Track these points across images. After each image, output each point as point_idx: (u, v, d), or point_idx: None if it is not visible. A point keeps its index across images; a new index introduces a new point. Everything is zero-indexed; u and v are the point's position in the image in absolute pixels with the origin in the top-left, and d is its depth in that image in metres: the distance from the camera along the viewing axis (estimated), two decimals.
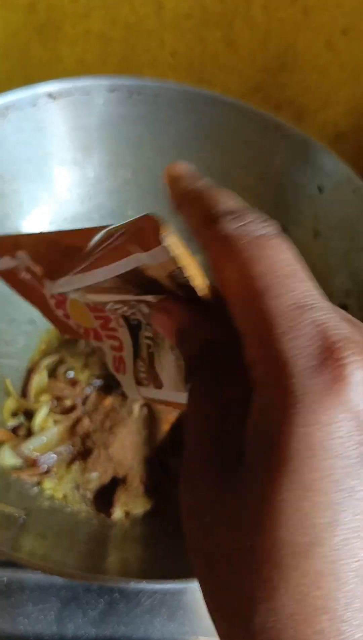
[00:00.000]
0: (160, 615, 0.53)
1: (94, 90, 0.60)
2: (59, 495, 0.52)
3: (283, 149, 0.61)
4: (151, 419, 0.56)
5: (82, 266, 0.29)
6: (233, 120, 0.61)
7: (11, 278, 0.40)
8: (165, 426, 0.56)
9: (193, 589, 0.52)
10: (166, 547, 0.49)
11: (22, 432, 0.55)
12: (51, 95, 0.59)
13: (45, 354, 0.61)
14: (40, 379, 0.58)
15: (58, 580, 0.54)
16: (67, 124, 0.62)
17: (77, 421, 0.55)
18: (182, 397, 0.31)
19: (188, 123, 0.62)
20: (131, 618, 0.53)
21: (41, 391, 0.57)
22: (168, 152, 0.64)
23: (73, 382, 0.58)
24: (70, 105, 0.61)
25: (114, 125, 0.63)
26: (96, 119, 0.62)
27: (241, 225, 0.21)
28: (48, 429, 0.54)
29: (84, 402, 0.57)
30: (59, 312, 0.40)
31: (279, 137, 0.61)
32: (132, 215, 0.65)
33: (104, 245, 0.28)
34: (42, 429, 0.54)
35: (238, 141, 0.62)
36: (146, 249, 0.24)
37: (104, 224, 0.64)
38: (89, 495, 0.53)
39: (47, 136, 0.61)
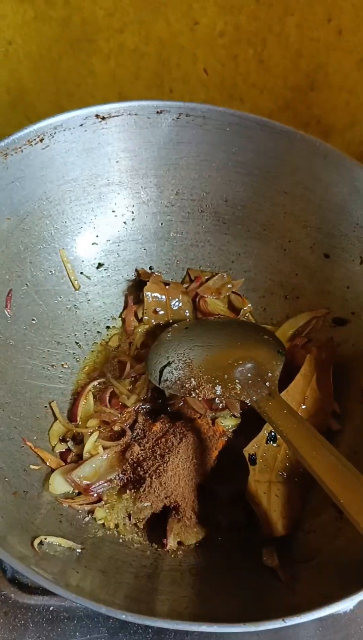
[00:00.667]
0: None
1: (143, 112, 0.60)
2: (111, 524, 0.52)
3: (330, 175, 0.61)
4: (199, 446, 0.55)
5: None
6: (280, 146, 0.61)
7: None
8: (214, 453, 0.56)
9: None
10: (219, 580, 0.49)
11: (70, 458, 0.55)
12: (99, 116, 0.59)
13: (90, 376, 0.60)
14: (87, 402, 0.57)
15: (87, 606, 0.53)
16: (115, 145, 0.61)
17: (127, 447, 0.54)
18: None
19: (234, 147, 0.62)
20: None
21: (89, 416, 0.56)
22: (213, 175, 0.64)
23: (121, 407, 0.57)
24: (118, 127, 0.60)
25: (161, 147, 0.62)
26: (143, 141, 0.62)
27: None
28: (98, 455, 0.54)
29: (131, 428, 0.56)
30: None
31: (326, 163, 0.61)
32: (175, 235, 0.65)
33: None
34: (92, 455, 0.54)
35: (284, 166, 0.62)
36: None
37: (147, 245, 0.64)
38: (141, 524, 0.52)
39: (94, 157, 0.61)
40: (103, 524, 0.52)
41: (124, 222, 0.65)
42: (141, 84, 0.91)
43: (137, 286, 0.66)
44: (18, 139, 0.55)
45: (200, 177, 0.64)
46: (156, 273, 0.65)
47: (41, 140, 0.57)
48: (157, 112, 0.60)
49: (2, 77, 0.92)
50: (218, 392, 0.53)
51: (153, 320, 0.63)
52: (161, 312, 0.63)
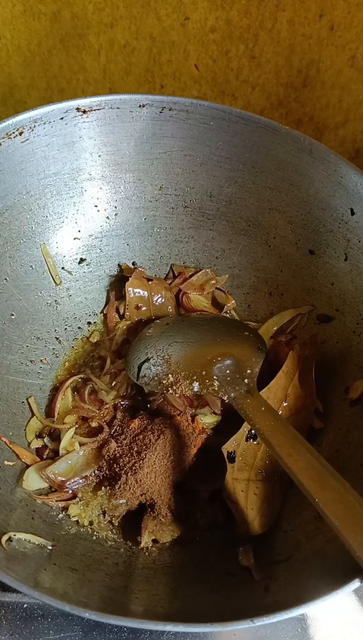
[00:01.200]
0: None
1: (125, 105, 0.59)
2: (85, 521, 0.51)
3: (315, 171, 0.60)
4: (177, 443, 0.55)
5: None
6: (266, 141, 0.60)
7: None
8: (192, 450, 0.55)
9: None
10: (193, 579, 0.48)
11: (46, 454, 0.54)
12: (80, 110, 0.58)
13: (70, 372, 0.60)
14: (65, 398, 0.56)
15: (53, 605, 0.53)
16: (96, 138, 0.61)
17: (104, 444, 0.53)
18: None
19: (219, 141, 0.61)
20: None
21: (67, 412, 0.56)
22: (197, 170, 0.63)
23: (99, 403, 0.56)
24: (99, 120, 0.60)
25: (143, 141, 0.62)
26: (125, 135, 0.61)
27: None
28: (74, 452, 0.53)
29: (109, 424, 0.55)
30: None
31: (312, 159, 0.60)
32: (158, 231, 0.64)
33: None
34: (68, 451, 0.53)
35: (269, 162, 0.61)
36: None
37: (130, 241, 0.63)
38: (116, 522, 0.52)
39: (76, 151, 0.60)
40: (77, 521, 0.51)
41: (107, 217, 0.64)
42: (132, 80, 0.91)
43: (119, 282, 0.65)
44: None
45: (184, 171, 0.63)
46: (140, 268, 0.64)
47: (20, 134, 0.56)
48: (140, 105, 0.59)
49: None
50: (196, 389, 0.52)
51: (135, 317, 0.62)
52: (144, 308, 0.62)
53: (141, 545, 0.50)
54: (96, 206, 0.64)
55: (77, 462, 0.52)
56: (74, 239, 0.64)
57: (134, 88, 0.91)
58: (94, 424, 0.55)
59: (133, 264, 0.66)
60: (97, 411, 0.55)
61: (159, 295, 0.63)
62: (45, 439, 0.55)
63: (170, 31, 0.85)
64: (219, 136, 0.61)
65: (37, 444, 0.55)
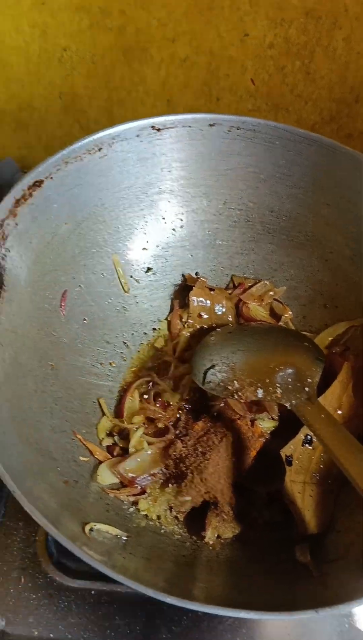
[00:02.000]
0: (240, 636, 0.56)
1: (196, 124, 0.63)
2: (154, 515, 0.55)
3: None
4: (238, 445, 0.58)
5: None
6: (326, 160, 0.63)
7: None
8: (252, 453, 0.58)
9: None
10: (254, 573, 0.52)
11: (116, 451, 0.58)
12: (154, 128, 0.62)
13: (136, 375, 0.64)
14: (133, 400, 0.60)
15: (144, 595, 0.57)
16: (168, 155, 0.64)
17: (170, 444, 0.57)
18: None
19: (283, 159, 0.64)
20: (212, 636, 0.56)
21: (134, 412, 0.60)
22: (260, 186, 0.67)
23: (165, 405, 0.60)
24: (172, 138, 0.63)
25: (211, 158, 0.65)
26: (194, 152, 0.65)
27: None
28: (143, 450, 0.57)
29: (175, 425, 0.59)
30: None
31: None
32: (221, 243, 0.68)
33: None
34: (137, 450, 0.57)
35: (329, 179, 0.64)
36: None
37: (194, 252, 0.67)
38: (181, 517, 0.55)
39: (148, 166, 0.64)
40: (146, 515, 0.55)
41: (173, 229, 0.68)
42: (190, 93, 0.94)
43: (183, 291, 0.69)
44: (78, 148, 0.59)
45: (248, 187, 0.66)
46: (202, 278, 0.68)
47: (100, 150, 0.60)
48: (210, 124, 0.62)
49: (55, 82, 0.96)
50: (260, 395, 0.56)
51: (197, 324, 0.66)
52: (205, 317, 0.66)
53: (205, 540, 0.53)
54: (163, 218, 0.67)
55: (146, 460, 0.56)
56: (143, 249, 0.67)
57: (192, 101, 0.94)
58: (160, 425, 0.59)
59: (196, 274, 0.69)
60: (163, 412, 0.59)
61: (220, 305, 0.67)
62: (115, 438, 0.59)
63: (229, 47, 0.88)
64: (282, 154, 0.64)
65: (107, 442, 0.59)
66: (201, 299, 0.66)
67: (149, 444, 0.57)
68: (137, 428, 0.58)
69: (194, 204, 0.68)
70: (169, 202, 0.67)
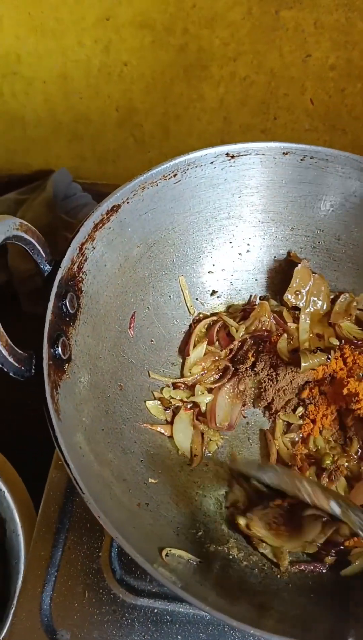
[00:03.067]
0: None
1: (270, 152, 0.63)
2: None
3: None
4: None
5: None
6: None
7: None
8: None
9: None
10: (323, 607, 0.53)
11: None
12: (229, 155, 0.63)
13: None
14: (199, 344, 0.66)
15: (206, 616, 0.58)
16: (239, 181, 0.65)
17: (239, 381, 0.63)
18: None
19: (354, 190, 0.65)
20: None
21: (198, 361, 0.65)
22: (329, 215, 0.67)
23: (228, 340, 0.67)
24: (244, 165, 0.64)
25: (282, 186, 0.66)
26: (266, 179, 0.65)
27: None
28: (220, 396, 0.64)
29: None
30: None
31: None
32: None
33: None
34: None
35: None
36: None
37: (259, 276, 0.67)
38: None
39: (219, 192, 0.65)
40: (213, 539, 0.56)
41: (240, 254, 0.69)
42: (247, 110, 0.95)
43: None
44: (155, 174, 0.60)
45: (316, 215, 0.67)
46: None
47: (174, 176, 0.61)
48: (283, 153, 0.63)
49: (114, 95, 0.97)
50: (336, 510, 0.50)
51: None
52: (301, 300, 0.67)
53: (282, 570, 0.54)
54: (230, 242, 0.68)
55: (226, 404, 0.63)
56: (209, 272, 0.68)
57: (248, 118, 0.95)
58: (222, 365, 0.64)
59: (261, 297, 0.70)
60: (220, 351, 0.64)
61: (318, 295, 0.68)
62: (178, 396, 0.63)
63: (291, 67, 0.89)
64: (353, 184, 0.64)
65: (168, 416, 0.63)
66: (302, 278, 0.66)
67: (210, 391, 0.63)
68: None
69: (262, 230, 0.68)
70: (237, 226, 0.68)
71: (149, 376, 0.63)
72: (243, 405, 0.65)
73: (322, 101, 0.92)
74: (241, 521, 0.55)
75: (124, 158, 1.04)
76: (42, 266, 0.54)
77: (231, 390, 0.65)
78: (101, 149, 1.04)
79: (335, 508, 0.49)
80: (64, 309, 0.53)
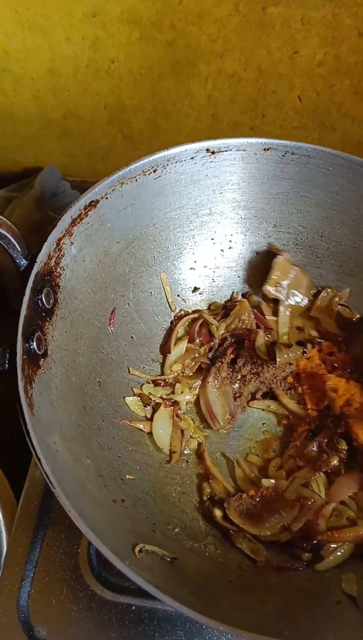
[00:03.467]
0: None
1: (251, 148, 0.63)
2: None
3: None
4: None
5: None
6: None
7: None
8: None
9: None
10: (297, 601, 0.52)
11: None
12: (209, 151, 0.62)
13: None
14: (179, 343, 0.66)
15: (184, 613, 0.58)
16: (220, 177, 0.65)
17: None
18: None
19: (336, 186, 0.64)
20: None
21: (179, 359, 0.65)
22: (311, 211, 0.67)
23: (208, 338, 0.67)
24: (225, 160, 0.64)
25: (263, 182, 0.66)
26: (247, 175, 0.65)
27: None
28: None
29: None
30: None
31: None
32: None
33: None
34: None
35: None
36: None
37: (241, 273, 0.67)
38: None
39: (200, 188, 0.65)
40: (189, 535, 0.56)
41: (221, 250, 0.69)
42: (236, 108, 0.94)
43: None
44: (134, 169, 0.59)
45: (298, 211, 0.67)
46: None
47: (154, 171, 0.61)
48: (264, 149, 0.63)
49: (102, 92, 0.97)
50: None
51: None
52: (282, 291, 0.66)
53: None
54: (212, 239, 0.68)
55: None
56: (190, 268, 0.68)
57: (237, 116, 0.95)
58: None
59: (243, 295, 0.70)
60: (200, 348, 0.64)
61: (299, 291, 0.67)
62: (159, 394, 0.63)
63: (278, 64, 0.88)
64: (336, 181, 0.64)
65: (147, 412, 0.62)
66: (282, 270, 0.65)
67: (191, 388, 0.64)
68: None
69: (244, 226, 0.68)
70: (218, 223, 0.67)
71: (129, 372, 0.63)
72: (233, 388, 0.64)
73: (310, 98, 0.91)
74: (218, 513, 0.55)
75: (113, 155, 1.04)
76: (17, 261, 0.54)
77: (215, 382, 0.64)
78: (90, 146, 1.04)
79: None
80: (40, 304, 0.53)
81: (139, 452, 0.60)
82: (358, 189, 0.63)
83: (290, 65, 0.88)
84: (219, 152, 0.63)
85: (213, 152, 0.63)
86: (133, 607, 0.58)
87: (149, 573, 0.47)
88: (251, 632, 0.42)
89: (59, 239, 0.55)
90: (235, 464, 0.61)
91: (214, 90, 0.93)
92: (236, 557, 0.55)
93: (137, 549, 0.48)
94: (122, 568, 0.43)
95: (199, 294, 0.69)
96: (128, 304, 0.64)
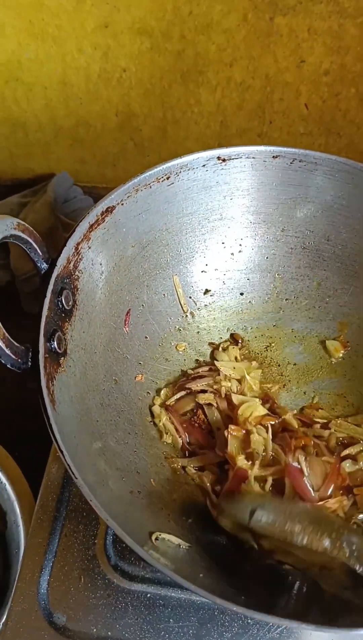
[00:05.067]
0: None
1: (260, 156, 0.66)
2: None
3: None
4: None
5: None
6: None
7: None
8: None
9: None
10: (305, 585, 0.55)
11: None
12: (220, 158, 0.65)
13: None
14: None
15: (197, 600, 0.60)
16: (230, 183, 0.67)
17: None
18: None
19: (342, 191, 0.67)
20: None
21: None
22: (318, 216, 0.69)
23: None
24: (235, 168, 0.66)
25: (272, 188, 0.68)
26: (256, 181, 0.68)
27: None
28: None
29: None
30: None
31: None
32: (277, 268, 0.70)
33: None
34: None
35: None
36: None
37: (251, 276, 0.70)
38: None
39: (211, 194, 0.67)
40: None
41: (232, 254, 0.71)
42: (243, 115, 0.97)
43: None
44: (148, 177, 0.62)
45: (306, 216, 0.69)
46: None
47: (167, 178, 0.64)
48: (273, 156, 0.65)
49: (113, 100, 1.00)
50: (327, 545, 0.49)
51: None
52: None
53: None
54: (223, 243, 0.70)
55: None
56: (201, 271, 0.71)
57: (245, 122, 0.97)
58: None
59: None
60: None
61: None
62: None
63: (285, 72, 0.91)
64: (342, 187, 0.66)
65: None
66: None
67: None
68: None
69: (253, 231, 0.71)
70: (229, 227, 0.70)
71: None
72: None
73: (316, 105, 0.94)
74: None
75: (123, 161, 1.07)
76: (39, 264, 0.56)
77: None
78: (101, 153, 1.07)
79: (327, 544, 0.49)
80: (60, 305, 0.55)
81: (153, 447, 0.63)
82: (362, 194, 0.66)
83: (296, 74, 0.91)
84: (230, 159, 0.65)
85: (223, 160, 0.65)
86: (148, 595, 0.60)
87: (166, 559, 0.49)
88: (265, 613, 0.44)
89: (78, 244, 0.58)
90: None
91: (223, 98, 0.96)
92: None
93: (153, 536, 0.51)
94: (141, 553, 0.46)
95: (211, 295, 0.72)
96: (142, 305, 0.66)
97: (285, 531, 0.49)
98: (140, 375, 0.66)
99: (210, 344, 0.72)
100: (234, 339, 0.71)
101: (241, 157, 0.66)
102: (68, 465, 0.47)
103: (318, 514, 0.54)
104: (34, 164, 1.10)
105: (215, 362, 0.68)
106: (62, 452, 0.48)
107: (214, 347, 0.71)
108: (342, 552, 0.48)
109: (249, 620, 0.59)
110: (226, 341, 0.72)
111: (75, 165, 1.09)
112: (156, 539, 0.52)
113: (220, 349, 0.70)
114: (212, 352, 0.71)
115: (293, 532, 0.49)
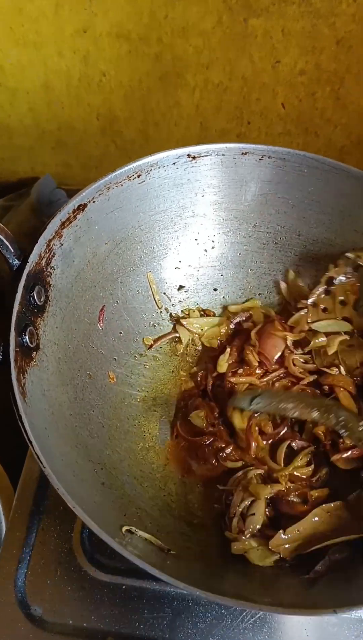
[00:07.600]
0: (261, 634, 0.60)
1: (229, 153, 0.67)
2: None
3: None
4: None
5: None
6: (354, 188, 0.66)
7: None
8: None
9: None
10: (278, 574, 0.56)
11: None
12: (190, 156, 0.66)
13: None
14: None
15: (171, 591, 0.61)
16: (201, 181, 0.69)
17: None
18: None
19: (311, 187, 0.68)
20: (234, 634, 0.59)
21: None
22: (289, 211, 0.71)
23: None
24: (206, 165, 0.68)
25: (243, 184, 0.69)
26: (227, 178, 0.69)
27: None
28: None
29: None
30: None
31: None
32: (250, 264, 0.71)
33: None
34: None
35: (356, 207, 0.68)
36: None
37: (224, 272, 0.71)
38: None
39: (183, 191, 0.69)
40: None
41: (205, 250, 0.72)
42: (222, 116, 0.98)
43: None
44: (119, 175, 0.63)
45: (277, 212, 0.70)
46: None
47: (138, 176, 0.65)
48: (242, 153, 0.67)
49: (94, 104, 1.01)
50: (315, 416, 0.57)
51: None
52: None
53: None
54: (196, 240, 0.72)
55: None
56: (175, 268, 0.72)
57: (223, 123, 0.99)
58: None
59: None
60: None
61: None
62: None
63: (262, 73, 0.93)
64: (311, 182, 0.67)
65: None
66: None
67: None
68: None
69: (226, 227, 0.72)
70: (201, 224, 0.71)
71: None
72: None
73: (293, 105, 0.95)
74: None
75: (106, 164, 1.09)
76: (11, 261, 0.57)
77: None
78: (84, 156, 1.08)
79: (315, 415, 0.56)
80: (32, 301, 0.57)
81: (127, 441, 0.64)
82: (331, 189, 0.67)
83: (272, 74, 0.93)
84: (200, 157, 0.67)
85: (193, 158, 0.66)
86: (123, 587, 0.61)
87: (133, 547, 0.50)
88: (231, 597, 0.45)
89: (49, 241, 0.59)
90: None
91: (201, 100, 0.97)
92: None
93: (124, 528, 0.52)
94: (108, 541, 0.46)
95: (185, 291, 0.73)
96: (116, 301, 0.67)
97: (279, 409, 0.58)
98: (113, 373, 0.67)
99: None
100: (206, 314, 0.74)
101: (211, 155, 0.67)
102: (36, 454, 0.48)
103: (308, 396, 0.61)
104: (18, 167, 1.12)
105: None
106: (30, 442, 0.49)
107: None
108: (329, 421, 0.56)
109: (223, 611, 0.60)
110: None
111: (58, 168, 1.11)
112: (128, 531, 0.52)
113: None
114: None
115: (286, 408, 0.57)
